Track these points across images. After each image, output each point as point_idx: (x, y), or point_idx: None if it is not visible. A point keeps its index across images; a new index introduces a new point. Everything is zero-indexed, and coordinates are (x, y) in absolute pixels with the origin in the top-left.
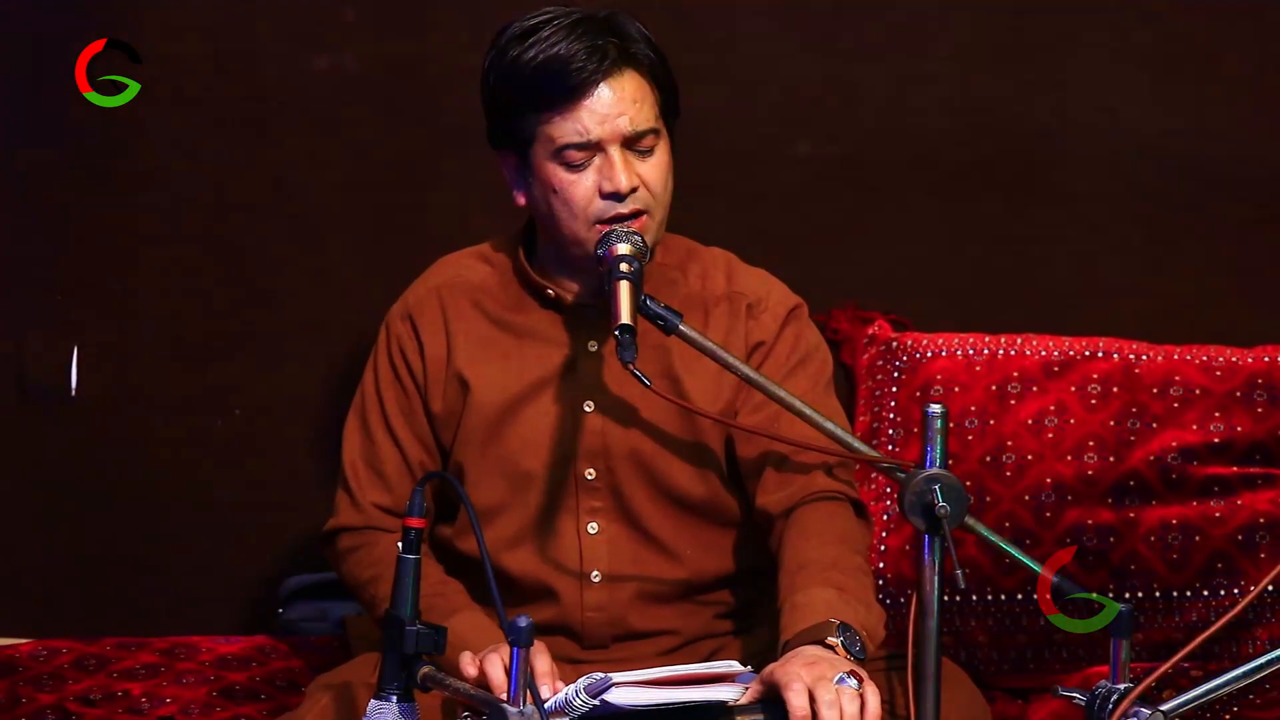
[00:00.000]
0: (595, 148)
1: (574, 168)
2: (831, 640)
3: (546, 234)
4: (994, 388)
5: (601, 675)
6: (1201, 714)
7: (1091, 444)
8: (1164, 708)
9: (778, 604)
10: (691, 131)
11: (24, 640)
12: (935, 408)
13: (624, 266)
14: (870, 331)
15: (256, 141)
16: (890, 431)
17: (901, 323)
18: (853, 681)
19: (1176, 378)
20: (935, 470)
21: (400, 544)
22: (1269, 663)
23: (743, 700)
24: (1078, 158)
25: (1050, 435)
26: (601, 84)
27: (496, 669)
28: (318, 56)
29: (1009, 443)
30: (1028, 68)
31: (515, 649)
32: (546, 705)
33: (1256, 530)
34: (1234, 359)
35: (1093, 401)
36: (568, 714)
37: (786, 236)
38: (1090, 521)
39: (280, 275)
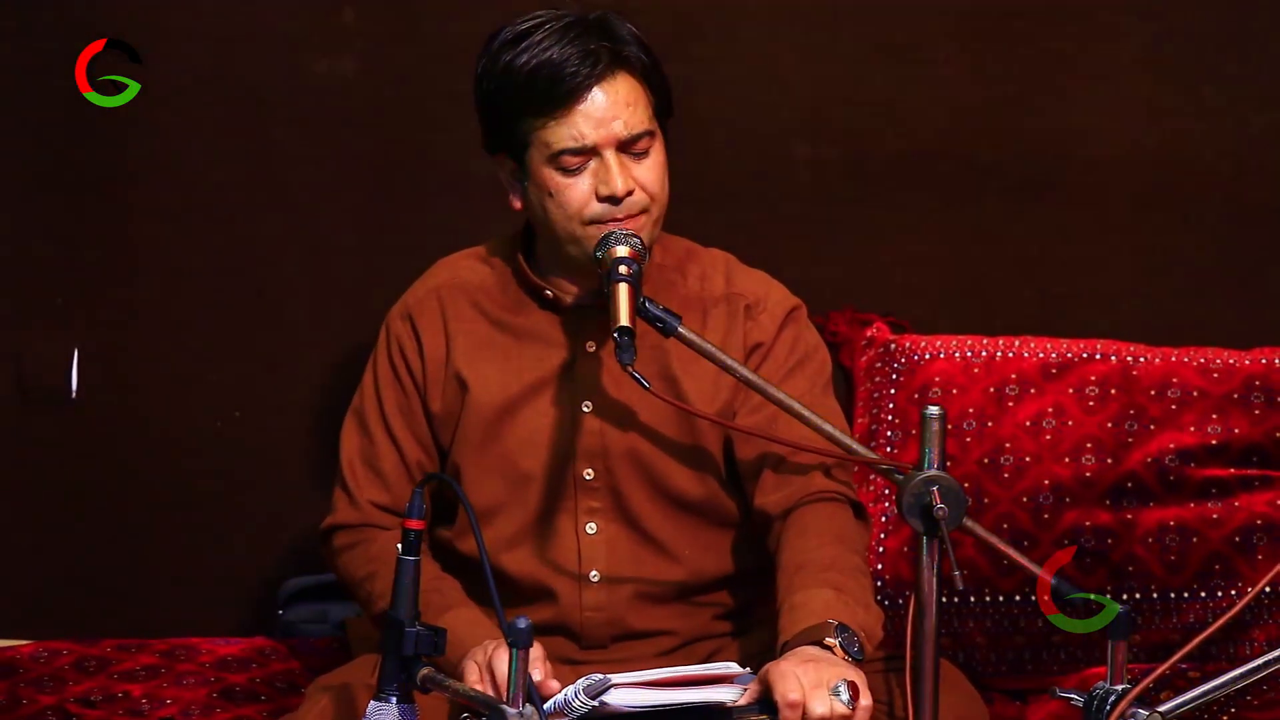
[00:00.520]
0: (591, 152)
1: (570, 172)
2: (830, 641)
3: (544, 236)
4: (992, 390)
5: (600, 676)
6: (1199, 715)
7: (1089, 446)
8: (1162, 709)
9: (776, 604)
10: (691, 134)
11: (24, 642)
12: (933, 410)
13: (623, 269)
14: (869, 334)
15: (256, 144)
16: (889, 433)
17: (900, 325)
18: (845, 695)
19: (1174, 380)
20: (933, 472)
21: (399, 546)
22: (1266, 664)
23: (741, 701)
24: (1075, 161)
25: (1048, 437)
26: (595, 89)
27: (502, 666)
28: (317, 60)
29: (1007, 444)
30: (1026, 72)
31: (514, 650)
32: (545, 706)
33: (1254, 532)
34: (1231, 361)
35: (1090, 403)
36: (567, 714)
37: (785, 238)
38: (1088, 523)
39: (280, 277)
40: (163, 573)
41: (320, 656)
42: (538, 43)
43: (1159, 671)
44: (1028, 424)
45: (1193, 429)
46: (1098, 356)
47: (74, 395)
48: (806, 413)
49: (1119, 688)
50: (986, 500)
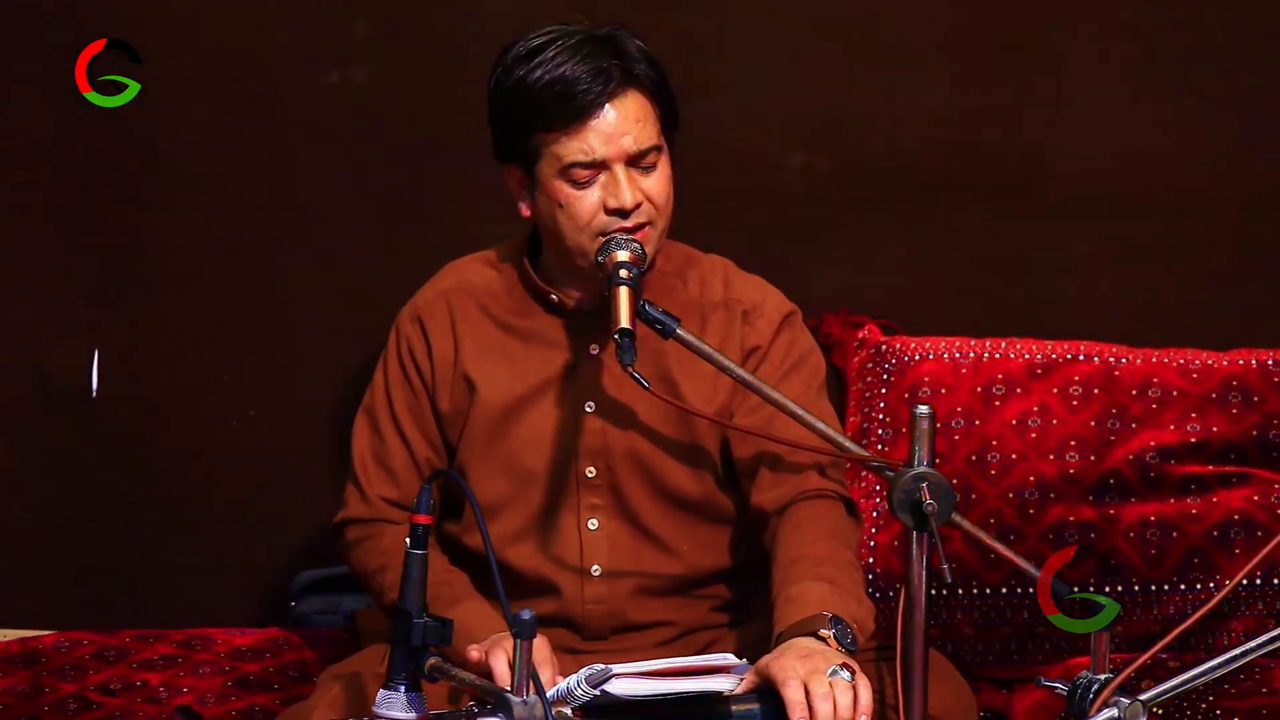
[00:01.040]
0: (600, 166)
1: (579, 184)
2: (824, 632)
3: (551, 243)
4: (979, 389)
5: (601, 666)
6: (1179, 703)
7: (1073, 443)
8: (1143, 697)
9: (771, 597)
10: (689, 144)
11: (47, 632)
12: (923, 409)
13: (623, 273)
14: (860, 335)
15: (271, 153)
16: (880, 432)
17: (890, 327)
18: (845, 674)
19: (1155, 380)
20: (923, 469)
21: (408, 540)
22: (1243, 654)
23: (738, 690)
24: (1061, 169)
25: (1033, 435)
26: (606, 105)
27: (500, 663)
28: (330, 71)
29: (994, 442)
30: (1013, 82)
31: (519, 640)
32: (548, 695)
33: (1231, 527)
34: (1210, 362)
35: (1074, 403)
36: (569, 703)
37: (779, 243)
38: (1072, 518)
39: (292, 281)
40: (180, 566)
41: (331, 646)
42: (550, 59)
43: (1140, 661)
44: (1014, 422)
45: (1173, 427)
46: (1081, 357)
47: (94, 396)
48: (801, 412)
49: (1102, 677)
50: (974, 496)
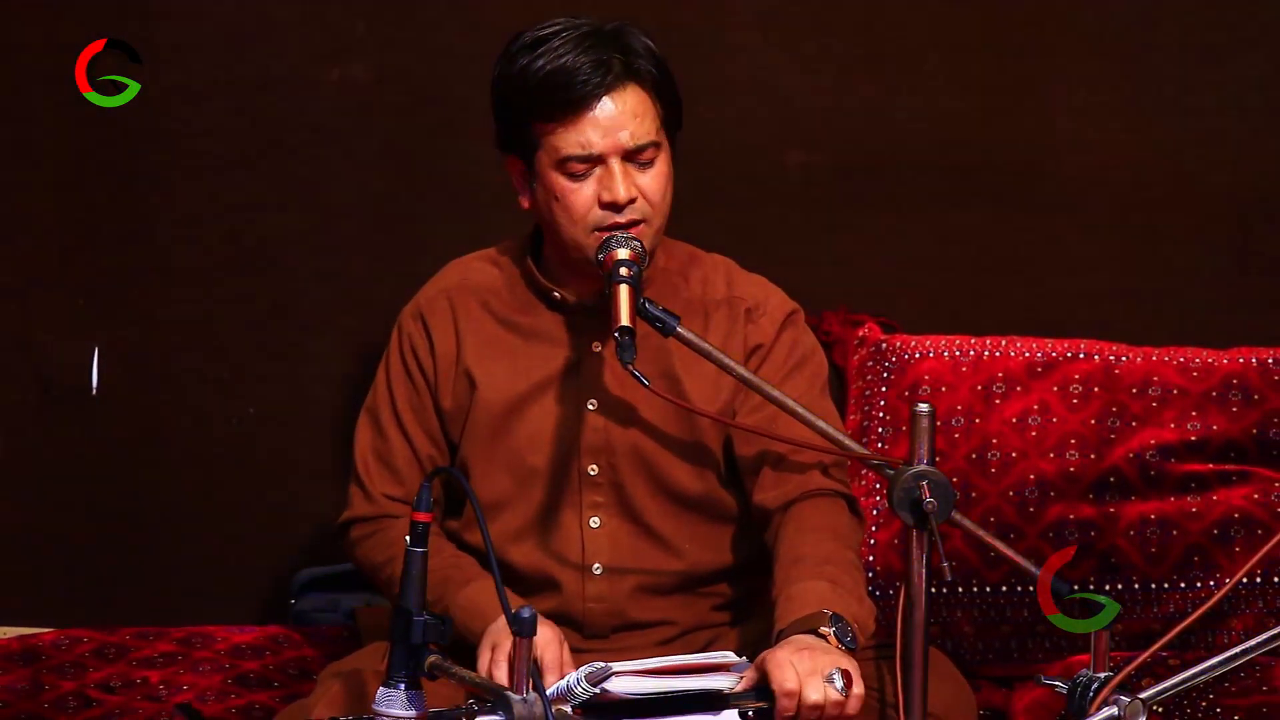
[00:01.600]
0: (596, 159)
1: (575, 177)
2: (824, 630)
3: (550, 237)
4: (979, 388)
5: (602, 664)
6: (1179, 701)
7: (1073, 442)
8: (1143, 695)
9: (772, 596)
10: (689, 142)
11: (47, 629)
12: (923, 407)
13: (623, 270)
14: (860, 334)
15: (271, 150)
16: (880, 430)
17: (890, 325)
18: (840, 684)
19: (1155, 378)
20: (923, 467)
21: (408, 537)
22: (1243, 652)
23: (738, 688)
24: (1060, 168)
25: (1033, 433)
26: (604, 98)
27: (502, 671)
28: (330, 68)
29: (994, 441)
30: (1010, 80)
31: (519, 637)
32: (548, 693)
33: (1231, 525)
34: (1210, 360)
35: (1074, 401)
36: (569, 701)
37: (779, 242)
38: (1072, 516)
39: (293, 279)
40: (180, 564)
41: (331, 644)
42: (554, 49)
43: (1140, 659)
44: (1014, 421)
45: (1173, 426)
46: (1081, 356)
47: (94, 393)
48: (803, 411)
49: (1102, 675)
50: (974, 494)
